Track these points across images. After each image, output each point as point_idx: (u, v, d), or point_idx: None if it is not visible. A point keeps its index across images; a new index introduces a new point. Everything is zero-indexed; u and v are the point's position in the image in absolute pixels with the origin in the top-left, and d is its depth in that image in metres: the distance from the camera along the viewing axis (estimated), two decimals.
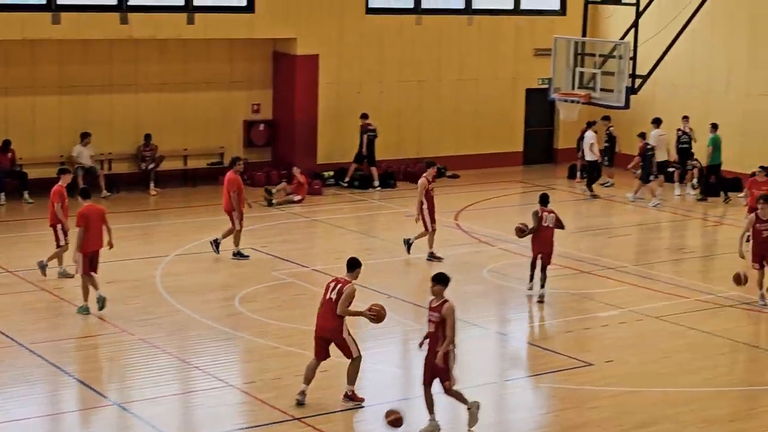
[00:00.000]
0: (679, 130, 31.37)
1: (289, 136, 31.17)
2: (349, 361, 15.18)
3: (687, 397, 15.84)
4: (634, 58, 27.24)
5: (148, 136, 29.39)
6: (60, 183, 21.16)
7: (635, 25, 27.77)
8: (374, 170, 30.87)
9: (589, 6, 30.10)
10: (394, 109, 32.62)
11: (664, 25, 29.98)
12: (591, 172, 30.64)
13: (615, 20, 32.47)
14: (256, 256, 23.05)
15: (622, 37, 28.46)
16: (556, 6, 35.11)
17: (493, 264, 22.89)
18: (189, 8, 29.22)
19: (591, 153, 30.54)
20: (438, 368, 14.16)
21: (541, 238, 20.79)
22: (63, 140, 28.75)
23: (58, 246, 20.89)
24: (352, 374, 15.16)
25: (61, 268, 20.99)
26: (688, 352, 17.89)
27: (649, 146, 30.08)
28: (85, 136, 28.27)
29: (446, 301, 14.16)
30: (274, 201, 28.11)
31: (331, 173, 30.99)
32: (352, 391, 15.24)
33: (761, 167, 25.52)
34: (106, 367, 16.84)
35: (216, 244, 22.95)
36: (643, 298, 20.77)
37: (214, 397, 15.50)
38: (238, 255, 22.76)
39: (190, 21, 29.15)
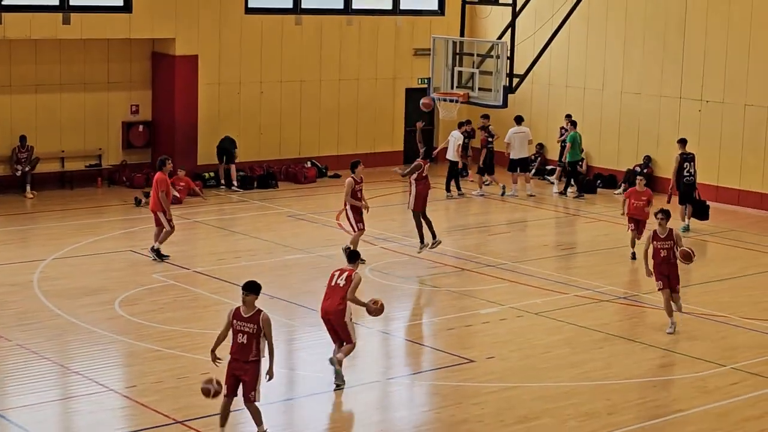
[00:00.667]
0: (562, 128, 31.93)
1: (169, 137, 30.91)
2: (346, 344, 15.99)
3: (566, 392, 16.08)
4: (511, 58, 27.53)
5: (23, 138, 28.89)
6: None
7: (512, 24, 28.07)
8: (233, 169, 30.80)
9: (467, 6, 30.33)
10: (275, 109, 32.55)
11: (540, 24, 30.41)
12: (454, 172, 30.83)
13: (492, 20, 32.86)
14: (135, 258, 22.83)
15: (500, 37, 28.76)
16: (434, 6, 35.37)
17: (375, 263, 22.97)
18: (65, 8, 28.79)
19: (455, 153, 30.76)
20: (246, 379, 13.73)
21: (424, 191, 23.01)
22: None
23: None
24: (345, 353, 15.97)
25: None
26: (567, 346, 18.18)
27: (489, 139, 30.81)
28: None
29: (260, 311, 13.75)
30: (142, 201, 27.83)
31: (212, 174, 30.81)
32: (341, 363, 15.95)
33: (640, 175, 26.09)
34: None
35: (155, 251, 22.70)
36: (523, 295, 21.04)
37: (94, 402, 15.32)
38: (157, 253, 22.54)
39: (66, 21, 28.72)
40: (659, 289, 18.99)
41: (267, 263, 22.96)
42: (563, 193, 31.02)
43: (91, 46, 29.98)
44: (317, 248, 23.98)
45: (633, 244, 24.00)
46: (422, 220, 23.26)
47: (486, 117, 32.19)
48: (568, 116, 31.73)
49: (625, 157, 31.99)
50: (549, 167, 32.86)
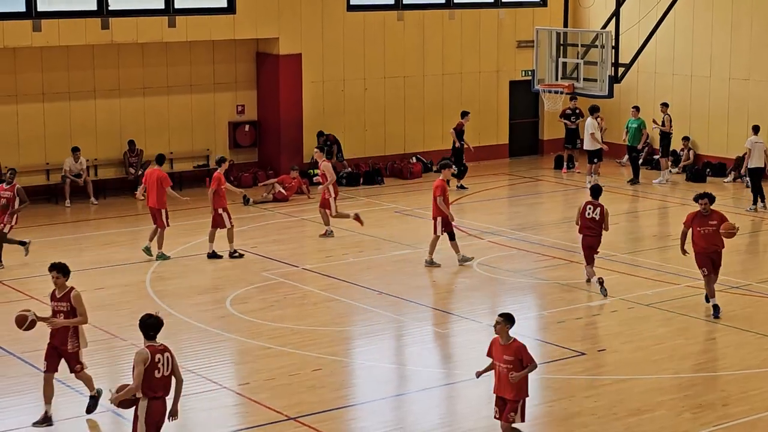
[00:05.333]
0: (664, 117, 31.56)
1: (275, 136, 31.17)
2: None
3: (680, 383, 15.88)
4: (616, 47, 27.26)
5: (131, 143, 29.35)
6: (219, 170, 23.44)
7: (616, 13, 27.79)
8: None
9: None
10: (379, 105, 32.63)
11: (645, 12, 30.05)
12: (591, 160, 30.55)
13: (596, 9, 32.55)
14: (245, 256, 23.06)
15: (604, 27, 28.48)
16: None
17: (482, 257, 22.90)
18: (170, 11, 29.19)
19: (592, 141, 30.46)
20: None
21: None
22: (48, 148, 28.72)
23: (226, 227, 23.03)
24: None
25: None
26: (680, 337, 17.94)
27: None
28: (75, 151, 28.25)
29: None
30: (251, 200, 28.20)
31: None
32: None
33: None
34: (99, 373, 16.79)
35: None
36: (633, 286, 20.81)
37: (208, 399, 15.50)
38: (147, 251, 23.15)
39: (172, 24, 29.11)
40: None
41: (375, 259, 23.03)
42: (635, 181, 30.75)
43: (196, 48, 30.35)
44: (424, 243, 23.97)
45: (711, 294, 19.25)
46: None
47: (596, 109, 31.79)
48: (665, 104, 31.34)
49: (735, 144, 31.45)
50: (656, 157, 32.45)
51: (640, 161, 31.44)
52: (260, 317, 19.06)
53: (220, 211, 23.00)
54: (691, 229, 18.93)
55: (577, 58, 28.22)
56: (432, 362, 16.95)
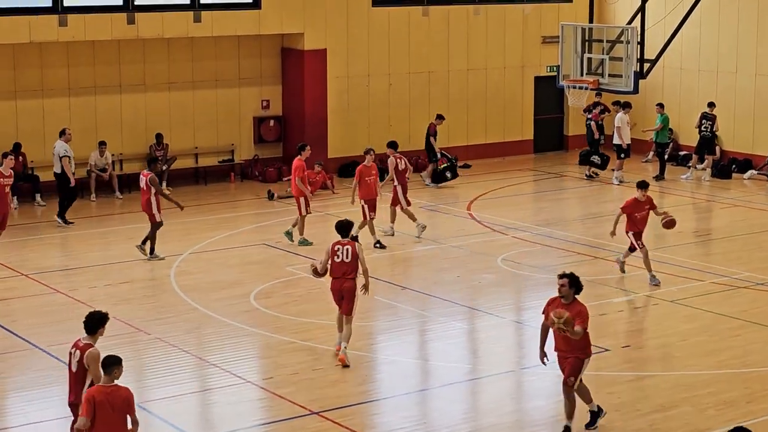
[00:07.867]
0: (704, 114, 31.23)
1: (300, 131, 31.18)
2: None
3: (704, 380, 15.83)
4: (641, 43, 27.17)
5: (159, 136, 29.42)
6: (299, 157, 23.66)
7: (642, 9, 27.70)
8: None
9: None
10: (403, 101, 32.61)
11: (671, 8, 29.93)
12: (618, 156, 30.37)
13: (621, 5, 32.44)
14: (269, 251, 23.10)
15: (629, 22, 28.40)
16: None
17: (506, 252, 22.87)
18: (195, 6, 29.24)
19: (618, 137, 30.28)
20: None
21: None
22: (74, 142, 28.74)
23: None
24: None
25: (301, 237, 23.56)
26: (704, 334, 17.89)
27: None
28: (101, 145, 28.36)
29: None
30: (275, 195, 28.24)
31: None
32: None
33: None
34: (124, 367, 16.84)
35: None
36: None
37: (232, 393, 15.54)
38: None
39: (197, 19, 29.17)
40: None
41: (399, 254, 23.04)
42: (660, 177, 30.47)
43: (221, 43, 30.40)
44: (449, 239, 23.98)
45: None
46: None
47: (627, 105, 31.49)
48: (711, 104, 31.02)
49: (761, 141, 31.30)
50: (682, 153, 32.32)
51: (666, 157, 31.27)
52: (284, 312, 19.09)
53: (302, 199, 23.55)
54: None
55: (603, 53, 28.12)
56: (455, 358, 16.94)
